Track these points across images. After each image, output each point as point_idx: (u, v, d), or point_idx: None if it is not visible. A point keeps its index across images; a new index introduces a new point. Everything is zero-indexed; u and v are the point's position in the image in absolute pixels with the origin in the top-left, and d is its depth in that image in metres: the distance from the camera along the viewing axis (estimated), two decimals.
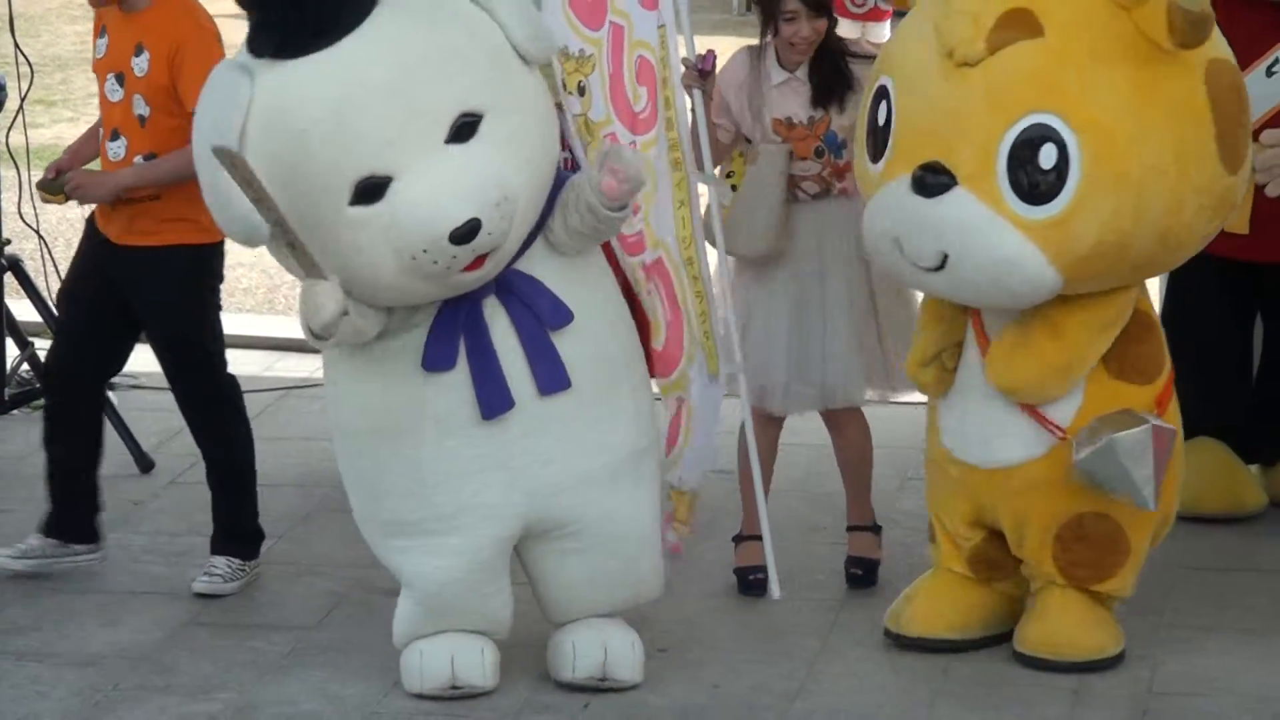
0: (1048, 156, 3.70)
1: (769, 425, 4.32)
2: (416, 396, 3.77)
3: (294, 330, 6.26)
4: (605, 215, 3.75)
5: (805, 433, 5.29)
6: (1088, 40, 3.73)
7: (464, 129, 3.66)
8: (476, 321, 3.77)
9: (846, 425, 4.32)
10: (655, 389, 4.13)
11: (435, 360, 3.75)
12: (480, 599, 3.85)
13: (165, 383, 5.60)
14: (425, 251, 3.63)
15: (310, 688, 3.99)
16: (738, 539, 4.35)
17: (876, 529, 4.36)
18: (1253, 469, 4.69)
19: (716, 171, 4.20)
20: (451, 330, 3.76)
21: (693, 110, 4.14)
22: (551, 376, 3.78)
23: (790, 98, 4.18)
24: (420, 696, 3.85)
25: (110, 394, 5.28)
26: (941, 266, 3.75)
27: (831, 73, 4.16)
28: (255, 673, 4.06)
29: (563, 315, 3.79)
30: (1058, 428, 3.86)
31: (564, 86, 4.12)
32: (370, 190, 3.63)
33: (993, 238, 3.71)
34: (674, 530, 4.17)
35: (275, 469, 5.07)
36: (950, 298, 3.86)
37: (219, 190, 3.66)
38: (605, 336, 3.84)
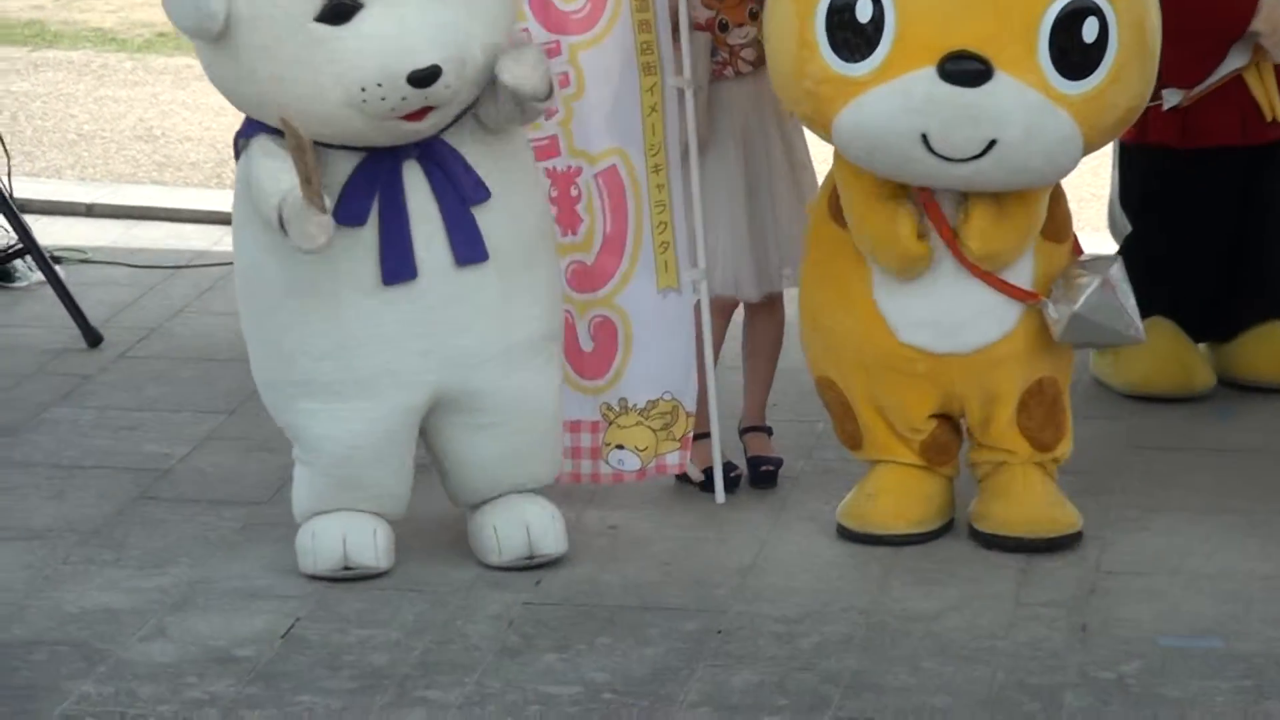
0: (1090, 30, 3.69)
1: (725, 310, 4.28)
2: (329, 254, 3.73)
3: None
4: (532, 108, 3.74)
5: None
6: None
7: None
8: (394, 182, 3.74)
9: (774, 308, 4.27)
10: (565, 305, 4.06)
11: (347, 214, 3.72)
12: (385, 470, 3.84)
13: (114, 257, 5.56)
14: (379, 85, 3.61)
15: (263, 563, 3.99)
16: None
17: (769, 430, 4.32)
18: (1201, 348, 4.72)
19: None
20: (368, 187, 3.74)
21: (675, 14, 4.03)
22: (469, 247, 3.77)
23: None
24: (314, 578, 3.85)
25: (57, 268, 5.24)
26: (981, 155, 3.70)
27: None
28: (207, 547, 4.06)
29: (482, 192, 3.78)
30: (1032, 295, 3.87)
31: None
32: (338, 11, 3.61)
33: (1049, 119, 3.69)
34: (679, 455, 4.10)
35: (225, 344, 5.06)
36: (969, 186, 3.77)
37: None
38: (523, 213, 3.84)
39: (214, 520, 4.17)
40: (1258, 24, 4.38)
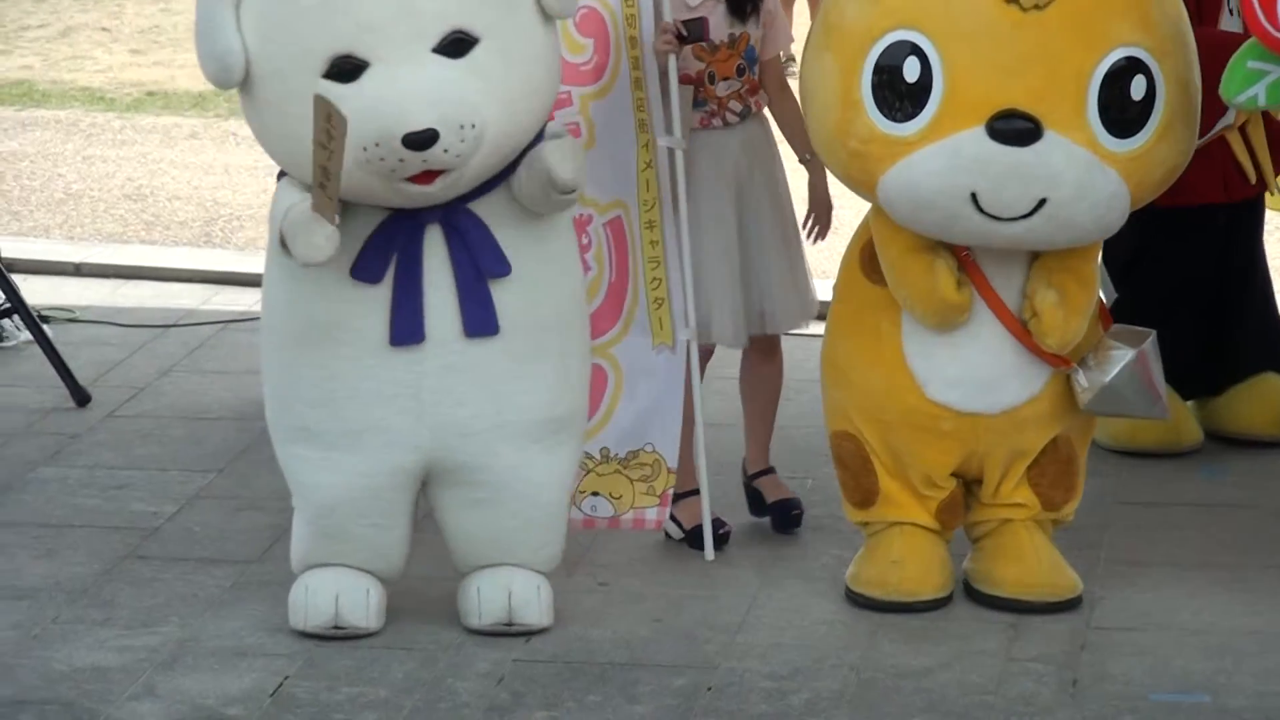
0: (1138, 88, 3.72)
1: (705, 356, 4.29)
2: (341, 307, 3.77)
3: (232, 263, 6.26)
4: (557, 199, 3.76)
5: (737, 364, 5.31)
6: None
7: (456, 45, 3.68)
8: (414, 244, 3.77)
9: (773, 353, 4.29)
10: None
11: (363, 271, 3.75)
12: (372, 528, 3.84)
13: (102, 316, 5.56)
14: (377, 145, 3.64)
15: (252, 621, 3.98)
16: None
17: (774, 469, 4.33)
18: (1189, 404, 4.74)
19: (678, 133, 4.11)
20: (387, 246, 3.76)
21: (664, 74, 4.06)
22: (480, 319, 3.77)
23: (710, 19, 4.10)
24: (304, 635, 3.85)
25: (45, 327, 5.24)
26: (1031, 213, 3.71)
27: None
28: (196, 606, 4.06)
29: (500, 267, 3.78)
30: (1064, 360, 3.88)
31: None
32: (346, 70, 3.65)
33: (1098, 177, 3.71)
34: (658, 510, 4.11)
35: (214, 402, 5.06)
36: (1018, 244, 3.78)
37: (214, 21, 3.68)
38: (543, 297, 3.83)
39: (203, 579, 4.16)
40: None
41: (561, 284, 3.86)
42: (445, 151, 3.65)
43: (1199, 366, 4.68)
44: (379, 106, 3.63)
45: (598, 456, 4.14)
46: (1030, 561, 4.00)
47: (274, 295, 3.86)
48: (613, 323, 4.12)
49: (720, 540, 4.22)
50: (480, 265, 3.77)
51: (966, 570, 4.07)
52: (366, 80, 3.65)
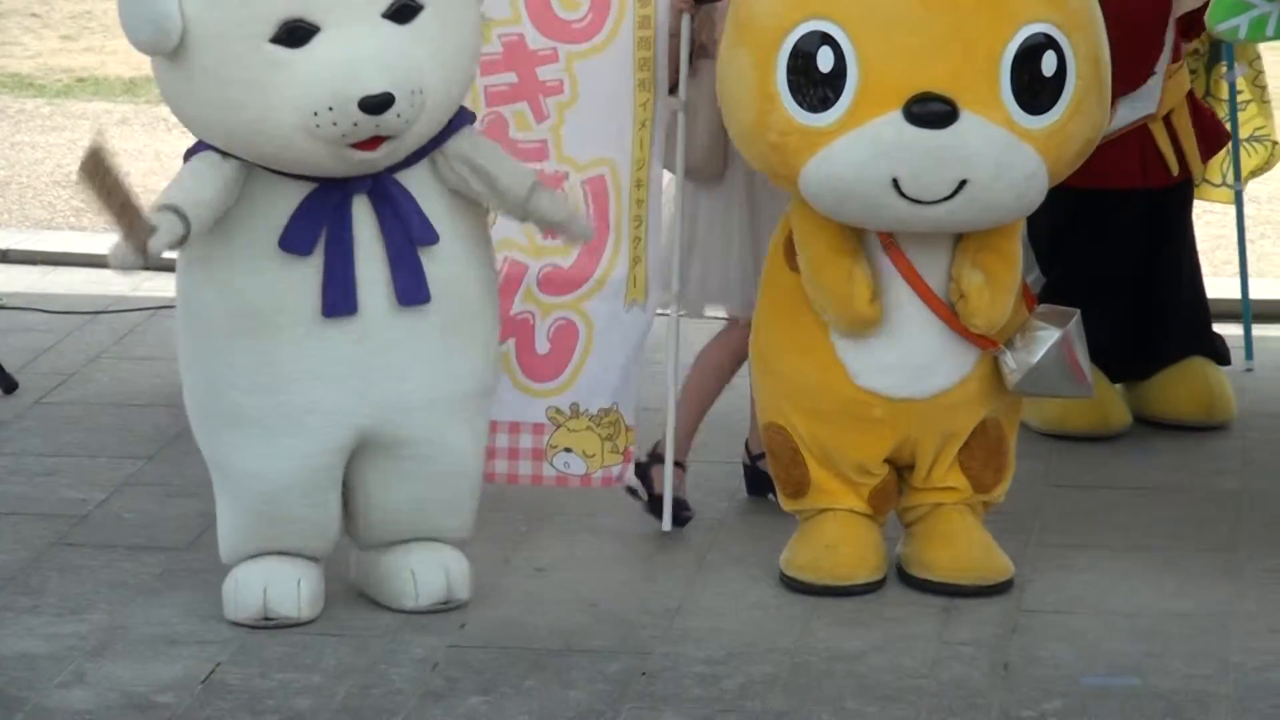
0: (1049, 64, 3.72)
1: (733, 331, 4.23)
2: (272, 288, 3.74)
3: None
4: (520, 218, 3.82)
5: (688, 351, 5.31)
6: None
7: (403, 11, 3.67)
8: (342, 215, 3.74)
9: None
10: (529, 305, 4.09)
11: (293, 241, 3.71)
12: (311, 507, 3.82)
13: (30, 303, 5.50)
14: (330, 109, 3.61)
15: (182, 608, 3.95)
16: (760, 455, 4.27)
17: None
18: (1118, 387, 4.77)
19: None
20: (315, 217, 3.73)
21: (676, 34, 4.04)
22: (412, 288, 3.76)
23: None
24: (236, 624, 3.83)
25: None
26: (953, 195, 3.72)
27: None
28: (126, 594, 4.02)
29: (429, 235, 3.78)
30: (991, 342, 3.90)
31: None
32: (294, 34, 3.62)
33: (1016, 155, 3.73)
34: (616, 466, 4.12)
35: (145, 389, 5.02)
36: (940, 227, 3.79)
37: None
38: (469, 264, 3.84)
39: (133, 566, 4.13)
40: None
41: (480, 257, 3.88)
42: (398, 116, 3.64)
43: (1127, 350, 4.72)
44: (334, 70, 3.60)
45: (567, 412, 4.14)
46: (962, 545, 4.02)
47: (196, 283, 3.81)
48: (586, 278, 4.11)
49: (680, 521, 4.20)
50: (410, 233, 3.76)
51: (899, 554, 4.08)
52: (317, 45, 3.62)
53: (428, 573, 3.87)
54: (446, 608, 3.90)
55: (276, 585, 3.83)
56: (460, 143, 3.80)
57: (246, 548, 3.87)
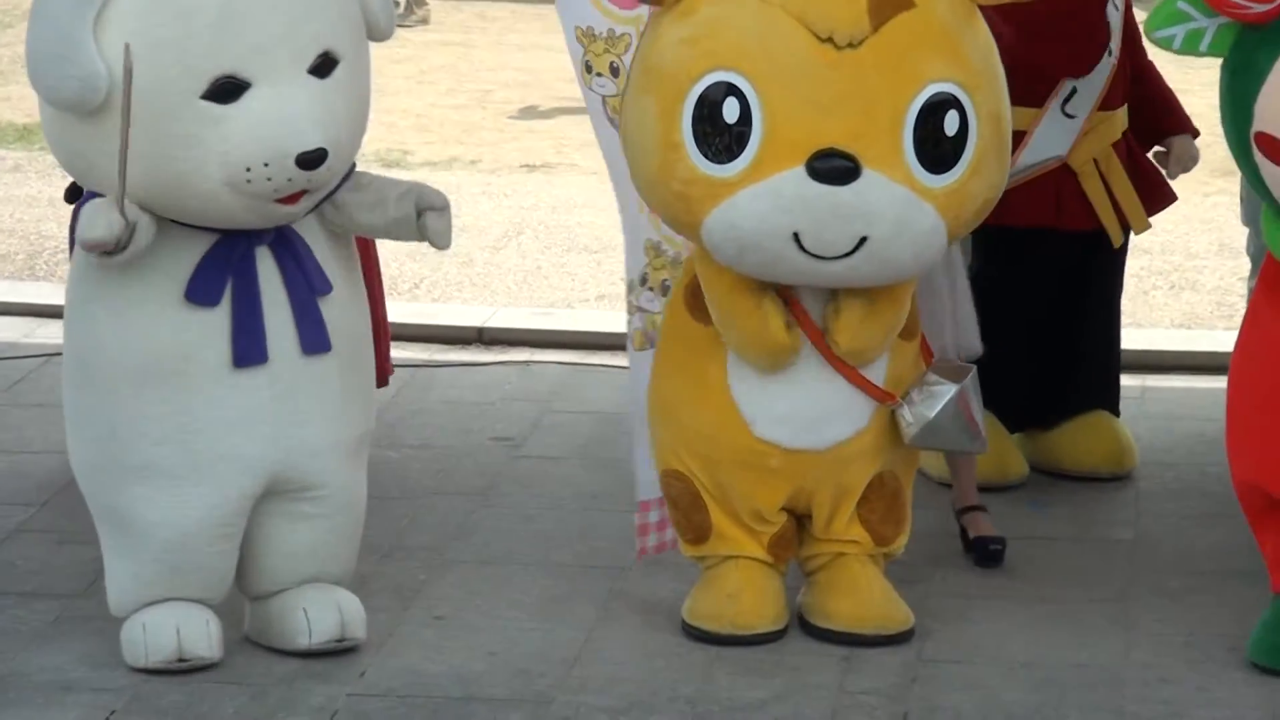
0: (951, 123, 3.76)
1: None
2: (180, 338, 3.74)
3: (56, 297, 6.15)
4: (415, 238, 3.84)
5: (587, 400, 5.33)
6: (945, 2, 3.79)
7: (323, 66, 3.70)
8: (248, 266, 3.75)
9: None
10: None
11: (199, 293, 3.71)
12: (216, 555, 3.81)
13: None
14: (266, 165, 3.62)
15: (76, 655, 3.90)
16: (962, 511, 4.33)
17: (984, 508, 4.37)
18: (1015, 437, 4.81)
19: None
20: (221, 269, 3.73)
21: None
22: (315, 336, 3.79)
23: None
24: (146, 670, 3.78)
25: None
26: (853, 252, 3.75)
27: None
28: (19, 640, 3.96)
29: (325, 284, 3.81)
30: (889, 395, 3.93)
31: (588, 69, 4.05)
32: (226, 90, 3.62)
33: (916, 213, 3.75)
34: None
35: (37, 436, 4.95)
36: (841, 282, 3.82)
37: (72, 42, 3.56)
38: (354, 312, 3.88)
39: (24, 613, 4.06)
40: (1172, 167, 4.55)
41: (361, 304, 3.92)
42: (327, 170, 3.67)
43: (1033, 398, 4.75)
44: (270, 128, 3.62)
45: None
46: (863, 595, 4.04)
47: (99, 336, 3.77)
48: None
49: (992, 557, 4.28)
50: (311, 283, 3.79)
51: (801, 603, 4.10)
52: (250, 100, 3.63)
53: (320, 611, 3.86)
54: (341, 646, 3.88)
55: (188, 626, 3.80)
56: (349, 189, 3.83)
57: (144, 598, 3.84)
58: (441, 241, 3.83)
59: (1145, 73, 4.71)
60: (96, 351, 3.78)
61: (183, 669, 3.80)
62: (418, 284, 6.44)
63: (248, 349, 3.73)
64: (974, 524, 4.38)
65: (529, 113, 8.90)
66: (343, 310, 3.84)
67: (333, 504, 3.86)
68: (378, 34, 3.80)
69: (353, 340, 3.87)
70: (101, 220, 3.62)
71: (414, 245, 6.63)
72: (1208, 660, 3.97)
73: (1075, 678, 3.91)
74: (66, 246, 4.55)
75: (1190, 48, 3.78)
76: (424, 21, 10.78)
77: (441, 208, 3.84)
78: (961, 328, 4.28)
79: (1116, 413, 4.86)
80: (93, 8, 3.57)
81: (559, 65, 9.89)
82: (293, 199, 3.69)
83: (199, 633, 3.80)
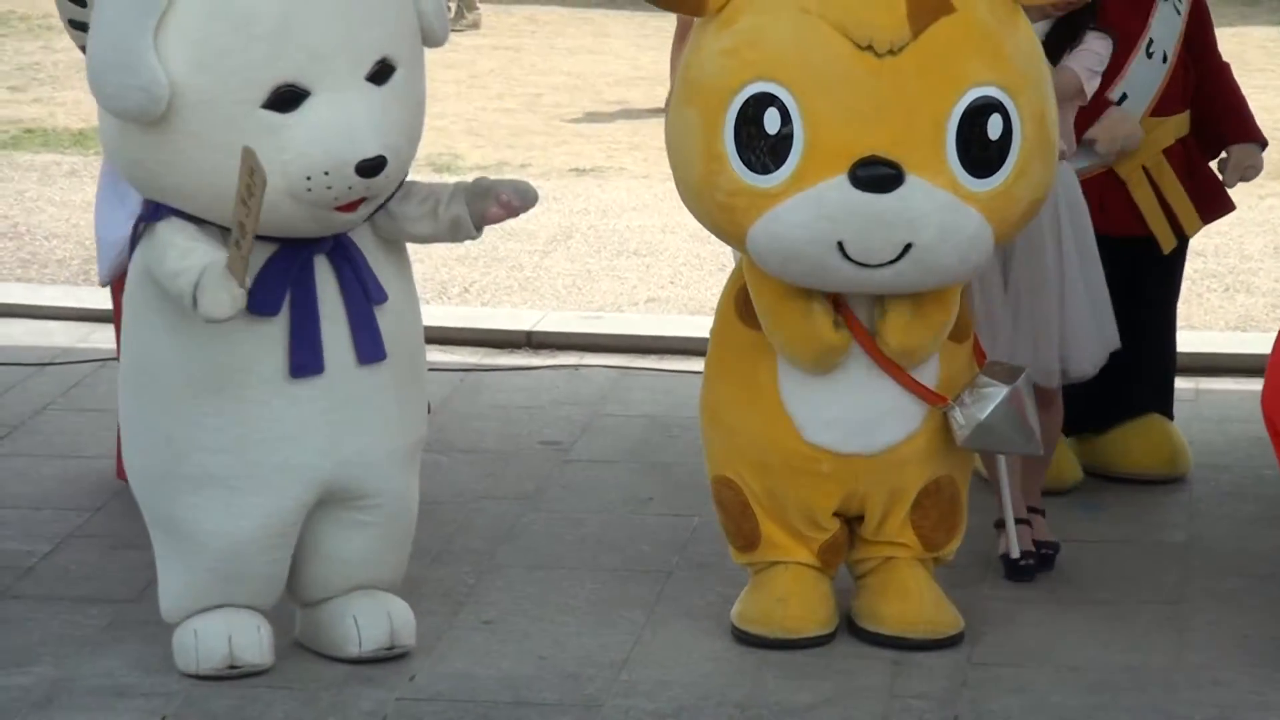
0: (995, 127, 3.74)
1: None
2: (239, 349, 3.74)
3: (109, 301, 6.23)
4: (471, 235, 3.83)
5: (636, 403, 5.33)
6: (986, 5, 3.77)
7: (381, 73, 3.71)
8: (306, 275, 3.76)
9: (1051, 403, 4.28)
10: None
11: (261, 303, 3.71)
12: (269, 563, 3.83)
13: None
14: (326, 174, 3.63)
15: (129, 660, 3.92)
16: (1000, 523, 4.29)
17: (1043, 511, 4.35)
18: (1068, 440, 4.79)
19: None
20: (281, 279, 3.74)
21: None
22: (371, 346, 3.79)
23: None
24: (197, 677, 3.80)
25: None
26: (898, 259, 3.73)
27: (1068, 32, 4.10)
28: (72, 646, 3.98)
29: (381, 292, 3.82)
30: (940, 398, 3.91)
31: None
32: (285, 99, 3.63)
33: (960, 218, 3.74)
34: None
35: (91, 441, 4.98)
36: (887, 289, 3.80)
37: (133, 52, 3.56)
38: (409, 322, 3.89)
39: (78, 618, 4.09)
40: (1094, 132, 4.47)
41: (416, 310, 3.93)
42: (386, 178, 3.68)
43: (1084, 403, 4.72)
44: (330, 135, 3.63)
45: None
46: (913, 599, 4.02)
47: (158, 345, 3.78)
48: None
49: (1019, 571, 4.22)
50: (368, 292, 3.80)
51: (850, 607, 4.09)
52: (309, 109, 3.63)
53: (371, 619, 3.87)
54: (390, 654, 3.89)
55: (241, 633, 3.82)
56: (400, 198, 3.83)
57: (196, 604, 3.85)
58: (522, 199, 3.78)
59: (1212, 77, 4.66)
60: (155, 361, 3.80)
61: (235, 675, 3.81)
62: (467, 288, 6.46)
63: (305, 360, 3.73)
64: (1020, 535, 4.30)
65: (579, 117, 8.92)
66: (398, 319, 3.84)
67: (385, 512, 3.87)
68: (433, 40, 3.80)
69: (408, 348, 3.87)
70: (226, 297, 3.59)
71: (464, 249, 6.71)
72: (1261, 663, 3.94)
73: (1127, 680, 3.89)
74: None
75: None
76: (475, 26, 10.82)
77: (487, 188, 3.78)
78: (1072, 343, 4.20)
79: (1170, 416, 4.83)
80: (153, 17, 3.57)
81: (608, 69, 9.97)
82: (351, 206, 3.70)
83: (250, 640, 3.81)
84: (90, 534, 4.50)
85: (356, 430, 3.80)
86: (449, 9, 10.47)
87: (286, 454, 3.77)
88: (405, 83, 3.73)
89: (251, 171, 3.56)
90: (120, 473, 4.50)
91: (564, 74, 9.78)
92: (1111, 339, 4.30)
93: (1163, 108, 4.57)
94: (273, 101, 3.62)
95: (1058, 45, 4.15)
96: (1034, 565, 4.29)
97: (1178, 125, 4.63)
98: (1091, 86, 4.22)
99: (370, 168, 3.63)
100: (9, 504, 4.65)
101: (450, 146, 8.32)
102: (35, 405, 5.26)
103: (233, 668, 3.81)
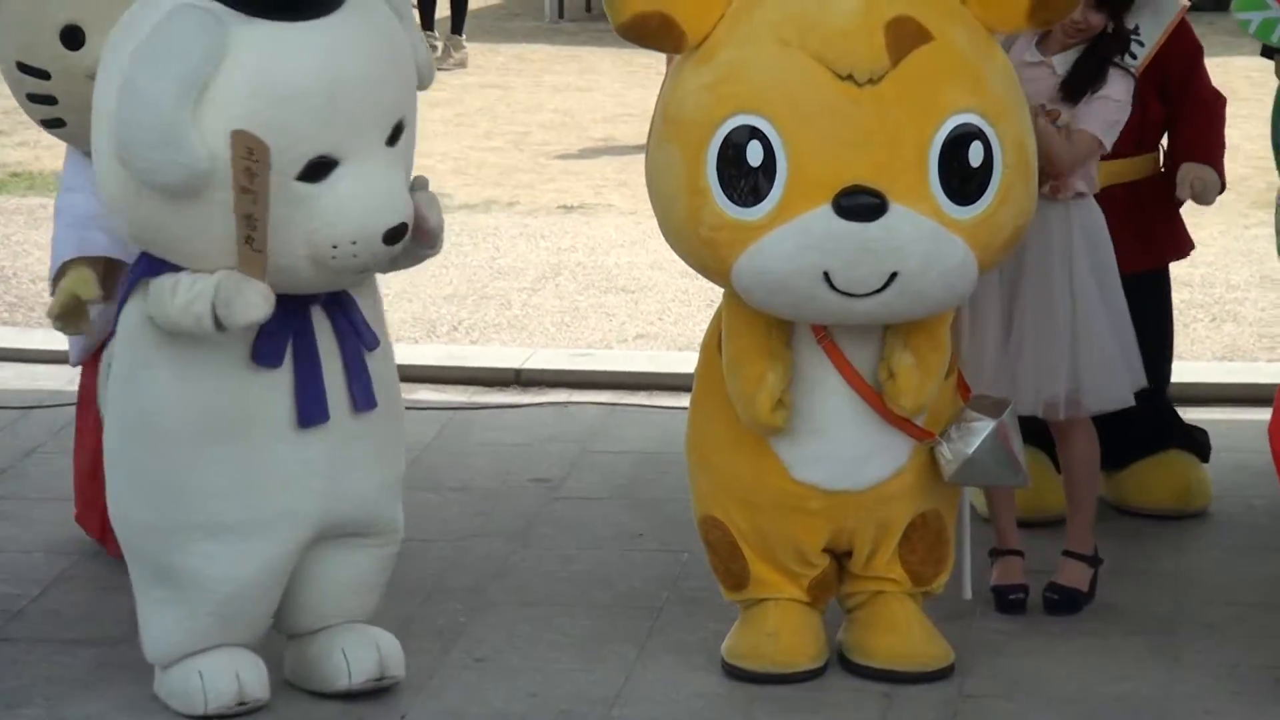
0: (976, 154, 3.75)
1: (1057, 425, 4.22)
2: (243, 396, 3.76)
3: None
4: (422, 252, 3.81)
5: (625, 440, 5.33)
6: (964, 34, 3.79)
7: (394, 135, 3.72)
8: (305, 326, 3.78)
9: (1067, 435, 4.26)
10: None
11: (264, 356, 3.73)
12: (268, 604, 3.86)
13: None
14: (354, 243, 3.64)
15: (119, 702, 3.91)
16: (994, 553, 4.29)
17: (1093, 560, 4.29)
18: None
19: None
20: (282, 330, 3.76)
21: None
22: (366, 394, 3.83)
23: (1034, 81, 4.08)
24: (202, 718, 3.80)
25: None
26: (884, 288, 3.74)
27: (1092, 70, 4.10)
28: (62, 687, 3.98)
29: (372, 340, 3.85)
30: (928, 434, 3.92)
31: None
32: (317, 169, 3.63)
33: (945, 246, 3.74)
34: None
35: None
36: (873, 319, 3.81)
37: (176, 129, 3.53)
38: (387, 360, 3.92)
39: (68, 660, 4.08)
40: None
41: (389, 346, 3.94)
42: (405, 239, 3.70)
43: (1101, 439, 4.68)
44: (359, 207, 3.62)
45: None
46: (903, 632, 4.02)
47: (162, 396, 3.77)
48: None
49: (1010, 606, 4.20)
50: (362, 337, 3.82)
51: (840, 641, 4.09)
52: (337, 179, 3.63)
53: (359, 651, 3.87)
54: (380, 685, 3.88)
55: (246, 670, 3.83)
56: None
57: (192, 646, 3.86)
58: (432, 216, 3.72)
59: (1187, 114, 4.59)
60: (159, 412, 3.78)
61: (241, 712, 3.81)
62: (455, 326, 6.46)
63: (311, 410, 3.75)
64: (1003, 569, 4.32)
65: (566, 154, 8.94)
66: (383, 361, 3.88)
67: (375, 540, 3.92)
68: (421, 83, 3.82)
69: (390, 388, 3.90)
70: (256, 298, 3.59)
71: (452, 288, 6.71)
72: (1252, 692, 3.94)
73: (1118, 711, 3.89)
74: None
75: (1264, 35, 3.78)
76: (462, 65, 10.85)
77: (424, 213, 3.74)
78: (1092, 374, 4.17)
79: (1196, 450, 4.79)
80: (194, 93, 3.53)
81: (595, 106, 9.99)
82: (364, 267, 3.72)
83: (255, 676, 3.83)
84: (80, 576, 4.50)
85: (354, 471, 3.83)
86: (436, 48, 10.57)
87: (290, 499, 3.78)
88: (409, 140, 3.75)
89: (249, 151, 3.51)
90: (84, 523, 4.48)
91: (551, 111, 9.81)
92: (1138, 374, 4.26)
93: (1115, 149, 4.47)
94: (304, 173, 3.62)
95: (1081, 82, 4.13)
96: (1022, 600, 4.28)
97: (1126, 168, 4.55)
98: (1111, 138, 4.19)
99: (394, 234, 3.65)
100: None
101: (438, 185, 8.30)
102: (23, 448, 5.25)
103: (241, 704, 3.81)
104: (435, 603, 4.32)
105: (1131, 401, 4.30)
